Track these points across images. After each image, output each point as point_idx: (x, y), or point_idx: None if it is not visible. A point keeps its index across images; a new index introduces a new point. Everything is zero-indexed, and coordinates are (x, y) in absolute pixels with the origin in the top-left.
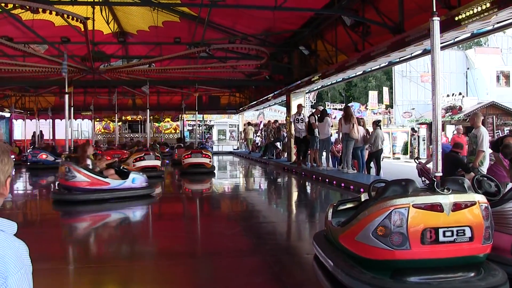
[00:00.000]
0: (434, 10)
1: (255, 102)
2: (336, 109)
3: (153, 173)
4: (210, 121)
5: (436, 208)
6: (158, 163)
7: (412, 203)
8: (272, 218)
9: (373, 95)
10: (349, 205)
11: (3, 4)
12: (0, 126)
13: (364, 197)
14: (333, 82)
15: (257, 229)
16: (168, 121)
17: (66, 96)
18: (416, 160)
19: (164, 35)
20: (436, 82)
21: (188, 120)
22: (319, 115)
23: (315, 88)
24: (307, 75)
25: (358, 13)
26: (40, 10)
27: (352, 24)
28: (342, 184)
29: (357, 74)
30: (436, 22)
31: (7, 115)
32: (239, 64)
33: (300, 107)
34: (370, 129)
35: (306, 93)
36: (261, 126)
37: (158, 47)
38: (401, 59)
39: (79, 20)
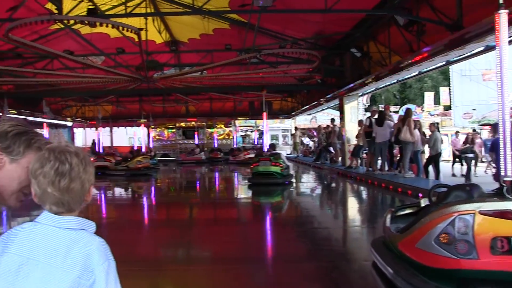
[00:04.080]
0: (501, 2)
1: (307, 106)
2: (390, 111)
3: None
4: (262, 126)
5: (507, 215)
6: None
7: (478, 209)
8: (327, 223)
9: (429, 96)
10: (408, 211)
11: (65, 21)
12: (64, 134)
13: (424, 202)
14: (387, 84)
15: (312, 234)
16: (221, 127)
17: None
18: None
19: (215, 42)
20: (503, 80)
21: (241, 126)
22: (376, 118)
23: (368, 91)
24: (360, 77)
25: (411, 12)
26: (98, 24)
27: (405, 23)
28: (399, 189)
29: (412, 75)
30: (504, 15)
31: (69, 124)
32: (290, 68)
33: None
34: (427, 132)
35: (359, 96)
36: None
37: (210, 54)
38: (460, 57)
39: (133, 31)
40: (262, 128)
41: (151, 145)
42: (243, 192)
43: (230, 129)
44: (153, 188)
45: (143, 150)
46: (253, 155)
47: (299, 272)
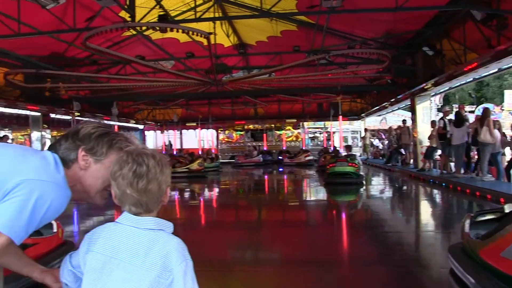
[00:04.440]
0: None
1: (377, 107)
2: (465, 111)
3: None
4: (331, 128)
5: None
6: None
7: None
8: (398, 227)
9: (509, 94)
10: (489, 216)
11: (138, 28)
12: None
13: (508, 208)
14: (462, 83)
15: (383, 238)
16: (289, 129)
17: None
18: None
19: (283, 44)
20: None
21: (309, 128)
22: (454, 118)
23: (442, 90)
24: (432, 77)
25: (491, 5)
26: (168, 29)
27: (483, 18)
28: (477, 193)
29: (491, 72)
30: None
31: (141, 127)
32: (360, 69)
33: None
34: (508, 133)
35: (432, 95)
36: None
37: (278, 56)
38: None
39: (202, 35)
40: (331, 130)
41: (212, 148)
42: (312, 194)
43: (299, 131)
44: (217, 190)
45: (213, 151)
46: (311, 157)
47: (371, 276)
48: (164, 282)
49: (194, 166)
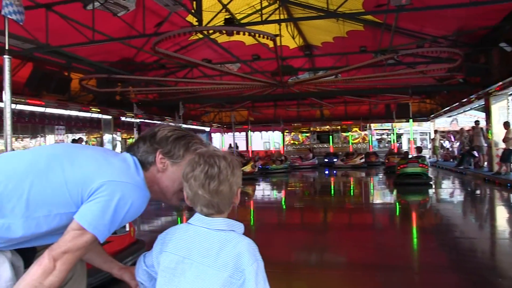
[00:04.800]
0: None
1: (447, 108)
2: None
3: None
4: (399, 129)
5: None
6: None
7: None
8: (472, 233)
9: None
10: None
11: (205, 32)
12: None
13: None
14: None
15: (455, 244)
16: (356, 131)
17: None
18: None
19: (349, 44)
20: None
21: (376, 129)
22: None
23: None
24: (510, 75)
25: None
26: (234, 32)
27: None
28: None
29: None
30: None
31: (207, 129)
32: (429, 68)
33: None
34: None
35: (510, 95)
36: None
37: (344, 57)
38: None
39: (269, 37)
40: (399, 132)
41: (279, 150)
42: (379, 196)
43: (365, 132)
44: (283, 191)
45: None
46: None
47: (442, 283)
48: (236, 283)
49: (248, 168)
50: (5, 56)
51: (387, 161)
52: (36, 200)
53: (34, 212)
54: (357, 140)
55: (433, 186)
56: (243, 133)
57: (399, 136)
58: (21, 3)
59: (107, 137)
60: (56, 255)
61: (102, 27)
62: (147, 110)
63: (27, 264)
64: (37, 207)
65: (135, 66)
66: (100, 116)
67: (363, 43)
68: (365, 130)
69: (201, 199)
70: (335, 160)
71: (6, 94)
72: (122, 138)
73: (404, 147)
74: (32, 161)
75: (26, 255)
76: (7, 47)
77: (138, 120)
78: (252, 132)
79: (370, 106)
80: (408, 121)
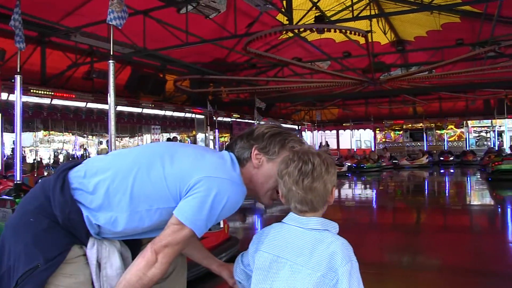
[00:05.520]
0: None
1: None
2: None
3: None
4: (499, 126)
5: None
6: None
7: None
8: None
9: None
10: None
11: (295, 30)
12: None
13: None
14: None
15: None
16: (451, 128)
17: None
18: None
19: (444, 38)
20: None
21: (474, 127)
22: None
23: None
24: None
25: None
26: (325, 30)
27: None
28: None
29: None
30: None
31: (298, 127)
32: None
33: None
34: None
35: None
36: None
37: (439, 51)
38: None
39: (360, 34)
40: (501, 129)
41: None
42: (475, 196)
43: (462, 130)
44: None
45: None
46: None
47: None
48: (329, 283)
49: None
50: (109, 61)
51: (487, 159)
52: (139, 194)
53: (137, 206)
54: (453, 138)
55: None
56: (334, 132)
57: (500, 133)
58: (123, 8)
59: (200, 136)
60: (157, 248)
61: (194, 30)
62: (237, 110)
63: (133, 255)
64: (139, 201)
65: (227, 66)
66: (193, 115)
67: (459, 35)
68: (462, 127)
69: (295, 196)
70: (441, 158)
71: (111, 97)
72: (214, 137)
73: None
74: (136, 158)
75: (133, 247)
76: (111, 53)
77: (229, 119)
78: (342, 131)
79: (467, 102)
80: (510, 118)
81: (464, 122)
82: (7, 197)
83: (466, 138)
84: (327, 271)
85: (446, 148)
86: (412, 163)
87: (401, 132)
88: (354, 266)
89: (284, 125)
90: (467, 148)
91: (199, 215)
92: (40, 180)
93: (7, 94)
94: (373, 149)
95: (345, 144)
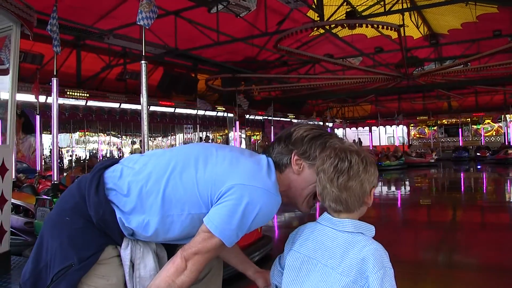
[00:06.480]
0: None
1: None
2: None
3: None
4: None
5: None
6: None
7: None
8: None
9: None
10: None
11: (327, 26)
12: None
13: None
14: None
15: None
16: (488, 123)
17: None
18: None
19: (480, 30)
20: None
21: None
22: None
23: None
24: None
25: None
26: (357, 25)
27: None
28: None
29: None
30: None
31: (330, 124)
32: None
33: None
34: None
35: None
36: None
37: (475, 44)
38: None
39: (393, 28)
40: None
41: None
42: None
43: (500, 124)
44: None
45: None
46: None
47: None
48: None
49: None
50: (142, 62)
51: None
52: (170, 198)
53: (169, 210)
54: (490, 133)
55: None
56: (367, 128)
57: None
58: (151, 8)
59: (232, 134)
60: (187, 255)
61: (225, 29)
62: (266, 108)
63: (170, 255)
64: (171, 205)
65: (258, 64)
66: (225, 114)
67: (496, 26)
68: (499, 121)
69: (329, 194)
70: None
71: (143, 97)
72: (246, 136)
73: None
74: (170, 160)
75: (168, 246)
76: (143, 53)
77: (261, 117)
78: (376, 127)
79: (505, 96)
80: None
81: (502, 116)
82: (46, 197)
83: (504, 133)
84: (357, 276)
85: (482, 143)
86: (421, 161)
87: (435, 127)
88: (388, 273)
89: (316, 123)
90: (505, 143)
91: (229, 225)
92: (77, 178)
93: (45, 97)
94: (404, 145)
95: (379, 141)
